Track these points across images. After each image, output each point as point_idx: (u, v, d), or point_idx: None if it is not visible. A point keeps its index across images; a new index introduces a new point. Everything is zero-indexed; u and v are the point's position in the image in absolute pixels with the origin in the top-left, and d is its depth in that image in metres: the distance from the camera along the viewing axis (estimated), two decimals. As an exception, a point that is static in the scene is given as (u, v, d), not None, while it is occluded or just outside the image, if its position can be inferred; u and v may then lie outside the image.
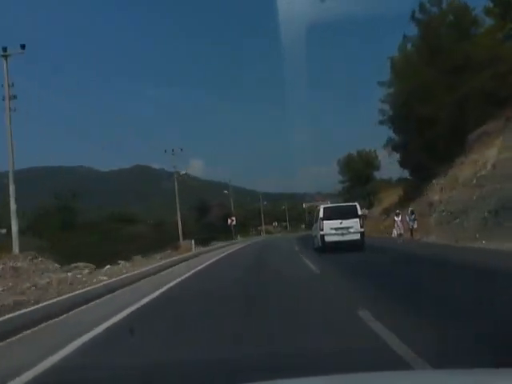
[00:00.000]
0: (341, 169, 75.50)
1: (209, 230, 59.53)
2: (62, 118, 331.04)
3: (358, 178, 71.27)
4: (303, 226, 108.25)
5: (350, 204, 21.54)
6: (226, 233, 59.88)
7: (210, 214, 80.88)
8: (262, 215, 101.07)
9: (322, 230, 19.94)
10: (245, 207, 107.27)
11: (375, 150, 74.58)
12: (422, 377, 2.35)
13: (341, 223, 19.71)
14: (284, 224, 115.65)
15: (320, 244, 20.09)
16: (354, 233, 19.60)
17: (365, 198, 70.95)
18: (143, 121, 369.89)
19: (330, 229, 19.80)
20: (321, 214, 20.20)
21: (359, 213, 19.95)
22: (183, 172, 55.09)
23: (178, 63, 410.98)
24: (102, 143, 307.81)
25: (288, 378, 2.29)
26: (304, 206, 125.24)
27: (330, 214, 20.10)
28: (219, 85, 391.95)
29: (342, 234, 19.65)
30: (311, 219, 24.64)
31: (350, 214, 19.88)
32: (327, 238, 19.84)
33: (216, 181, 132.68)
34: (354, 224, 19.64)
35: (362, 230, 19.73)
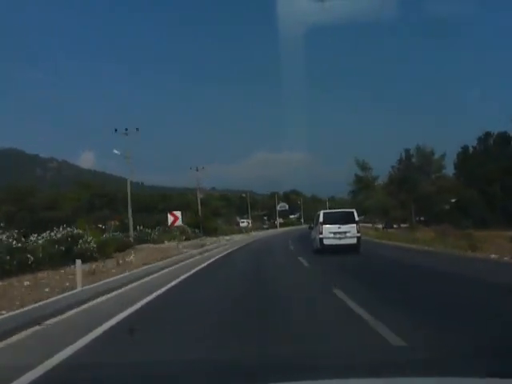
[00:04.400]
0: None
1: None
2: None
3: None
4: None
5: (349, 210, 23.24)
6: None
7: None
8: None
9: (322, 233, 21.35)
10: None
11: None
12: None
13: (339, 228, 21.31)
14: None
15: (319, 246, 21.48)
16: (351, 237, 21.31)
17: None
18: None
19: (329, 232, 21.30)
20: (321, 219, 21.61)
21: (356, 219, 21.74)
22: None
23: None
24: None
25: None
26: (198, 195, 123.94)
27: (330, 219, 21.61)
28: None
29: (340, 238, 21.26)
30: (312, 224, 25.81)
31: (348, 219, 21.57)
32: (326, 242, 21.28)
33: (96, 170, 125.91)
34: (351, 229, 21.34)
35: (359, 234, 21.55)
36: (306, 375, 3.14)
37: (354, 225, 21.42)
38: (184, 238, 37.50)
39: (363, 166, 51.49)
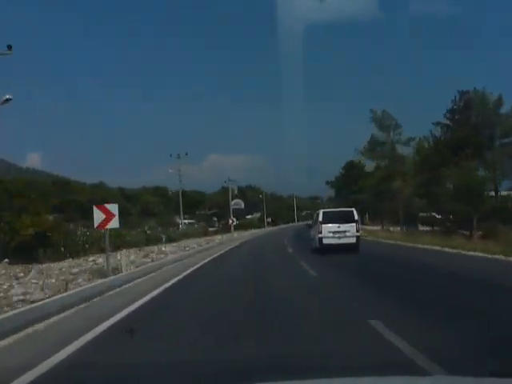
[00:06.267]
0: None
1: None
2: None
3: None
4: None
5: (348, 209, 22.90)
6: None
7: None
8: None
9: (321, 232, 20.93)
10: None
11: None
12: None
13: (339, 227, 20.95)
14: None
15: (318, 245, 21.05)
16: (350, 236, 20.99)
17: None
18: None
19: (328, 232, 20.90)
20: (320, 218, 21.18)
21: (356, 218, 21.45)
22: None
23: None
24: None
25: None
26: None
27: (329, 218, 21.20)
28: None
29: (339, 238, 20.90)
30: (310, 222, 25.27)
31: (348, 218, 21.25)
32: (325, 241, 20.87)
33: (36, 169, 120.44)
34: (350, 228, 21.03)
35: (358, 234, 21.27)
36: None
37: (354, 224, 21.14)
38: None
39: (382, 124, 29.57)
